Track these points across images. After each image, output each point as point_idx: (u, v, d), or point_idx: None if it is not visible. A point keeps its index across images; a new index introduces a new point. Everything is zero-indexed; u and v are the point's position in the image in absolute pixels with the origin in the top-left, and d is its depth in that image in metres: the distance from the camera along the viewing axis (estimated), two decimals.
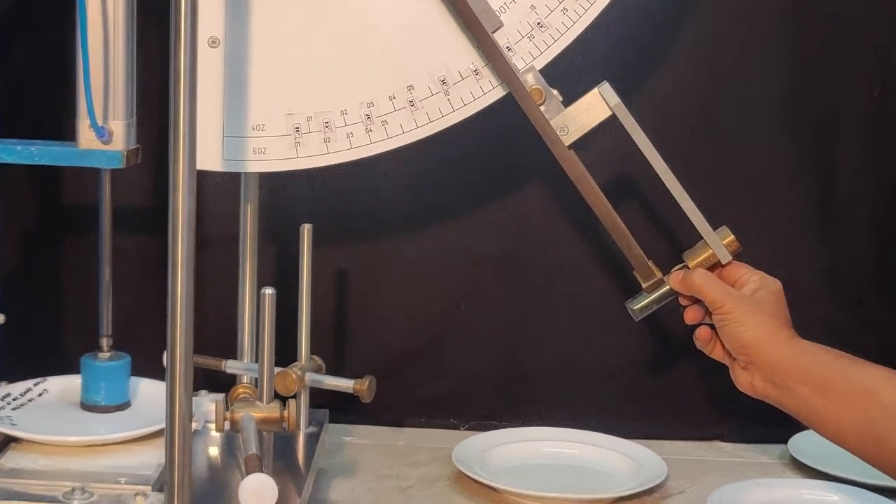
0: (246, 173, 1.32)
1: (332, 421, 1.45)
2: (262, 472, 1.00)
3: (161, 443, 1.17)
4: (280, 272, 1.46)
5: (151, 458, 1.18)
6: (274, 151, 1.20)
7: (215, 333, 1.40)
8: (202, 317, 1.43)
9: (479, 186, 1.50)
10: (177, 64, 1.01)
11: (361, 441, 1.47)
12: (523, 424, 1.48)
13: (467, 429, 1.52)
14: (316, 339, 1.50)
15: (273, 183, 1.41)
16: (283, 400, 1.10)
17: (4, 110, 1.33)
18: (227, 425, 1.08)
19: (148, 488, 1.11)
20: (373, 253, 1.51)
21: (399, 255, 1.51)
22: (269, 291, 1.07)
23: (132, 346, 1.31)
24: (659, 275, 1.20)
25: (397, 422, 1.52)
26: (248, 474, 1.00)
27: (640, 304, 1.21)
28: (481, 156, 1.47)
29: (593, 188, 1.18)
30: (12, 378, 1.33)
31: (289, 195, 1.46)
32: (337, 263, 1.51)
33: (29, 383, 1.30)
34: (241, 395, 1.14)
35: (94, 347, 1.28)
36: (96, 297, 1.29)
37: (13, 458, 1.17)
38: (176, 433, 1.03)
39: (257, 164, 1.21)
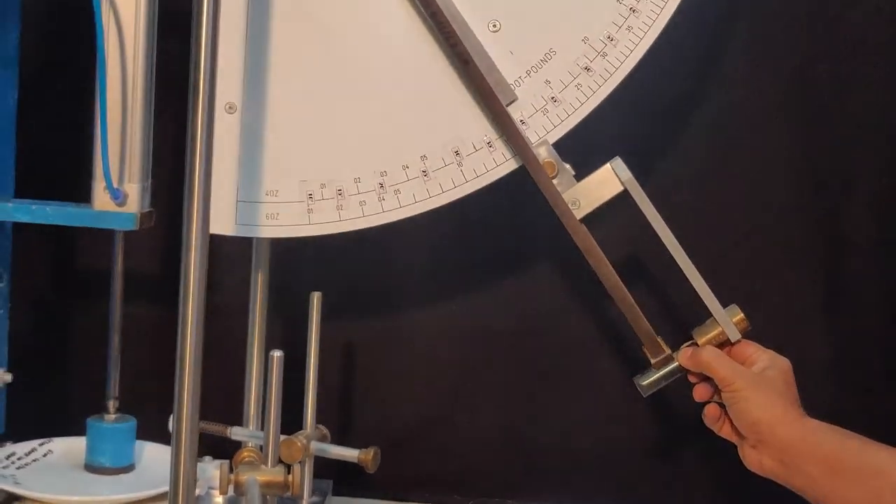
0: (258, 239, 1.33)
1: (335, 493, 1.44)
2: None
3: None
4: (288, 341, 1.45)
5: None
6: (287, 217, 1.21)
7: (221, 400, 1.39)
8: (208, 383, 1.44)
9: (489, 261, 1.50)
10: (193, 128, 1.02)
11: None
12: (527, 502, 1.47)
13: None
14: (322, 410, 1.50)
15: (282, 256, 1.42)
16: (288, 465, 1.10)
17: (20, 171, 1.34)
18: (231, 488, 1.07)
19: None
20: (381, 325, 1.51)
21: (407, 329, 1.51)
22: (276, 354, 1.07)
23: (138, 409, 1.31)
24: (667, 351, 1.20)
25: (401, 496, 1.51)
26: None
27: (648, 381, 1.21)
28: (492, 230, 1.48)
29: (603, 261, 1.19)
30: (19, 437, 1.33)
31: (299, 266, 1.47)
32: (345, 334, 1.51)
33: (34, 443, 1.30)
34: (246, 459, 1.14)
35: (101, 410, 1.27)
36: (105, 359, 1.29)
37: None
38: (180, 498, 1.03)
39: (270, 230, 1.21)
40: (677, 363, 1.19)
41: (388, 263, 1.49)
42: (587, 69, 1.19)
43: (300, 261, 1.46)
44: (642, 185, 1.19)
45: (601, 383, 1.50)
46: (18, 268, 1.33)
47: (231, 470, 1.07)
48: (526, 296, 1.51)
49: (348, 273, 1.48)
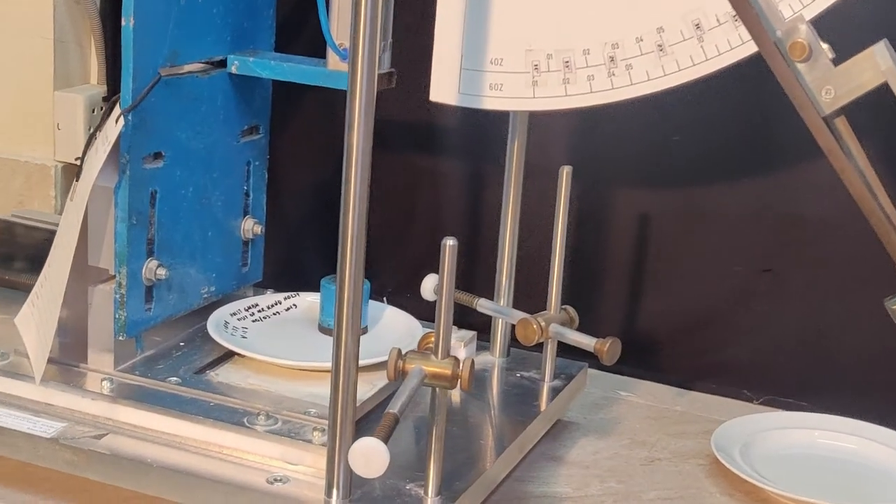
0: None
1: (618, 372, 1.38)
2: (388, 435, 0.95)
3: (380, 376, 1.15)
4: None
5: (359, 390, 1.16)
6: (510, 88, 1.13)
7: (484, 272, 1.35)
8: (466, 254, 1.41)
9: (803, 139, 1.34)
10: None
11: (638, 399, 1.38)
12: (821, 407, 1.33)
13: (760, 403, 1.38)
14: (610, 286, 1.43)
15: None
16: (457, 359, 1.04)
17: (294, 26, 1.33)
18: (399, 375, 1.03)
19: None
20: (679, 200, 1.39)
21: (708, 206, 1.38)
22: (450, 243, 1.01)
23: (385, 272, 1.29)
24: None
25: (685, 383, 1.41)
26: (377, 433, 0.96)
27: None
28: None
29: (847, 167, 1.02)
30: (282, 287, 1.35)
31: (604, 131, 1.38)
32: (638, 208, 1.41)
33: (280, 296, 1.31)
34: (429, 345, 1.09)
35: None
36: None
37: (226, 372, 1.19)
38: (341, 372, 1.00)
39: (493, 101, 1.14)
40: None
41: (690, 132, 1.37)
42: None
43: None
44: None
45: None
46: (282, 125, 1.32)
47: (401, 356, 1.03)
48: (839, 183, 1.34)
49: (646, 139, 1.38)
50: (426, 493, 1.04)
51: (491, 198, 1.44)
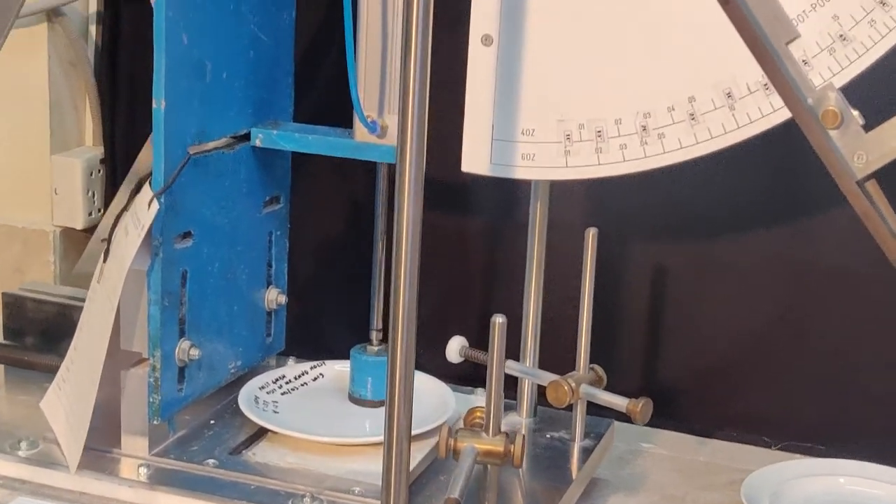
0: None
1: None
2: None
3: (419, 447, 1.15)
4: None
5: None
6: (543, 158, 1.12)
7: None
8: (490, 311, 1.41)
9: (816, 187, 1.35)
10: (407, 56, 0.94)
11: (660, 451, 1.38)
12: (841, 454, 1.34)
13: (779, 448, 1.39)
14: (629, 338, 1.43)
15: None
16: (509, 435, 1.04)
17: (310, 93, 1.32)
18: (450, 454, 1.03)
19: (377, 502, 1.07)
20: (693, 253, 1.40)
21: (723, 257, 1.39)
22: (499, 320, 1.01)
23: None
24: None
25: (705, 432, 1.41)
26: None
27: None
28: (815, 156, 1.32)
29: (881, 228, 1.03)
30: (300, 355, 1.34)
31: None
32: (655, 261, 1.41)
33: (306, 366, 1.31)
34: (477, 420, 1.09)
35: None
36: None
37: (262, 451, 1.18)
38: (393, 451, 1.00)
39: (525, 171, 1.13)
40: None
41: (700, 185, 1.37)
42: (882, 3, 1.02)
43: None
44: None
45: None
46: (299, 192, 1.32)
47: (451, 434, 1.03)
48: (858, 225, 1.35)
49: (657, 192, 1.38)
50: None
51: (506, 254, 1.45)
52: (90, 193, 1.55)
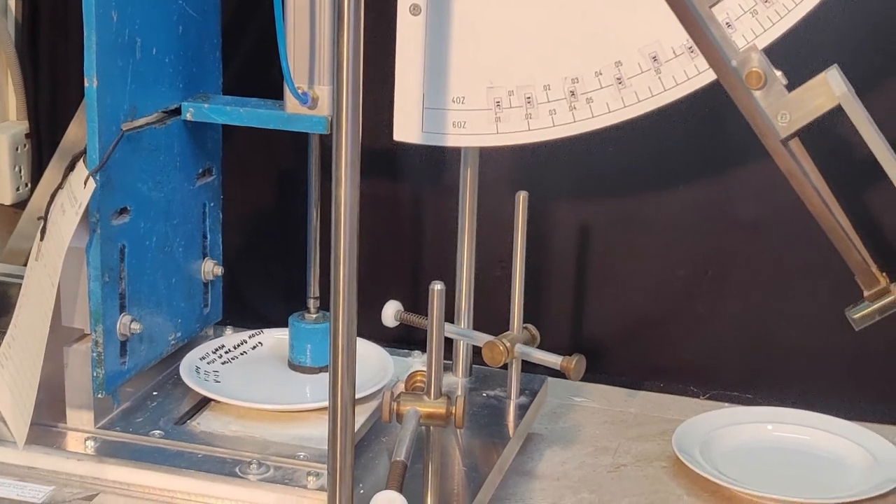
0: None
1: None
2: (401, 484, 0.98)
3: (360, 410, 1.17)
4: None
5: None
6: (474, 126, 1.15)
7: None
8: (424, 277, 1.43)
9: (734, 144, 1.39)
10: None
11: (592, 404, 1.42)
12: (767, 400, 1.39)
13: (707, 398, 1.44)
14: (556, 296, 1.46)
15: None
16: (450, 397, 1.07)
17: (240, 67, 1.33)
18: (393, 417, 1.05)
19: (323, 467, 1.10)
20: (619, 209, 1.44)
21: (646, 213, 1.43)
22: (437, 287, 1.03)
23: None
24: (884, 283, 1.08)
25: (634, 384, 1.46)
26: (387, 484, 0.98)
27: (860, 314, 1.09)
28: (739, 114, 1.36)
29: (807, 186, 1.07)
30: (239, 324, 1.36)
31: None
32: (578, 219, 1.45)
33: (244, 335, 1.32)
34: (418, 384, 1.11)
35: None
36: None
37: (207, 420, 1.20)
38: (338, 417, 1.02)
39: (457, 139, 1.16)
40: (894, 296, 1.07)
41: (624, 144, 1.41)
42: None
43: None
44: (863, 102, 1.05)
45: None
46: (229, 165, 1.33)
47: (394, 397, 1.05)
48: (774, 181, 1.39)
49: (583, 153, 1.41)
50: None
51: (434, 217, 1.48)
52: (17, 169, 1.55)
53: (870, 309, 1.09)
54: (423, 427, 1.06)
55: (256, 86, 1.28)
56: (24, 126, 1.56)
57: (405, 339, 1.37)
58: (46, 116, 1.55)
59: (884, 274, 1.08)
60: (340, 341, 1.01)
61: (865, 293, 1.08)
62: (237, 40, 1.40)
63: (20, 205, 1.55)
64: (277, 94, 1.20)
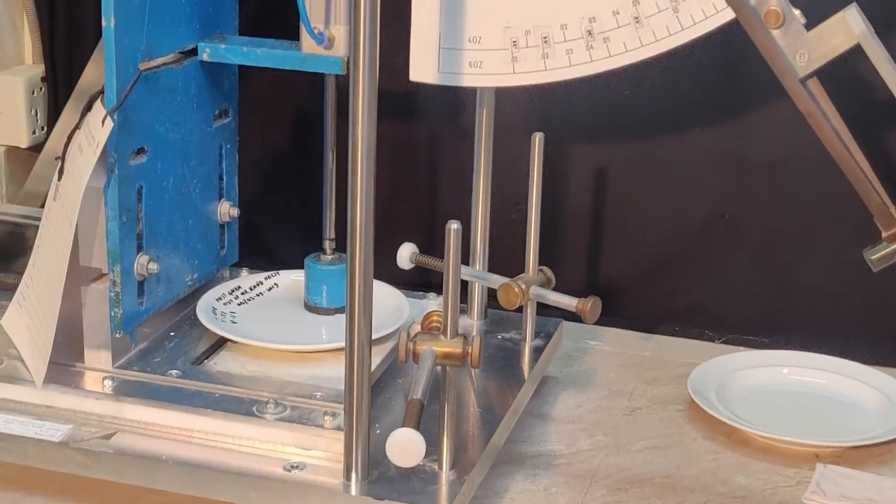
0: None
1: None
2: (418, 422, 0.98)
3: (377, 351, 1.18)
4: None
5: None
6: (490, 66, 1.14)
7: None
8: (439, 218, 1.43)
9: (752, 86, 1.38)
10: None
11: (606, 347, 1.43)
12: (783, 343, 1.39)
13: (722, 342, 1.44)
14: (572, 238, 1.46)
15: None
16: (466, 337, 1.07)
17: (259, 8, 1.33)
18: (410, 357, 1.06)
19: (339, 407, 1.10)
20: (635, 152, 1.43)
21: (663, 156, 1.43)
22: (454, 227, 1.03)
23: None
24: None
25: (649, 328, 1.46)
26: (404, 422, 0.99)
27: (878, 254, 1.09)
28: (757, 56, 1.35)
29: (825, 128, 1.07)
30: (255, 266, 1.36)
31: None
32: (595, 162, 1.44)
33: (260, 276, 1.32)
34: (434, 323, 1.12)
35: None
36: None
37: (223, 360, 1.20)
38: (355, 357, 1.02)
39: (473, 79, 1.15)
40: None
41: (643, 85, 1.40)
42: None
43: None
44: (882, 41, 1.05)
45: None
46: (246, 106, 1.32)
47: (410, 337, 1.06)
48: (794, 124, 1.38)
49: (602, 93, 1.41)
50: (440, 467, 1.08)
51: (449, 160, 1.47)
52: (33, 112, 1.55)
53: (888, 250, 1.09)
54: (439, 367, 1.06)
55: (272, 26, 1.27)
56: (39, 69, 1.57)
57: (420, 282, 1.37)
58: (62, 60, 1.55)
59: None
60: (357, 282, 1.02)
61: (884, 234, 1.08)
62: None
63: (36, 148, 1.56)
64: (293, 35, 1.20)
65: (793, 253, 1.42)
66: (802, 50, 1.06)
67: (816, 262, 1.41)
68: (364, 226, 1.00)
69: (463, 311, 1.34)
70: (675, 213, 1.44)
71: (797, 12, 1.06)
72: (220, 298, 1.27)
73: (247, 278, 1.32)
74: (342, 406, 1.07)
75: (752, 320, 1.44)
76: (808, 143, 1.37)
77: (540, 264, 1.29)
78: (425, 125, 1.47)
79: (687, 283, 1.45)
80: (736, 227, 1.43)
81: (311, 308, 1.27)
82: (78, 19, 1.52)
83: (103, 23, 1.10)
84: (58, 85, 1.55)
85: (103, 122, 1.10)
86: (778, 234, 1.42)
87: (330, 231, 1.27)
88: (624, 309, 1.46)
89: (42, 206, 1.44)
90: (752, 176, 1.41)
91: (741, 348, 1.42)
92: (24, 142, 1.54)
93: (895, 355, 1.37)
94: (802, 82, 1.07)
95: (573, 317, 1.27)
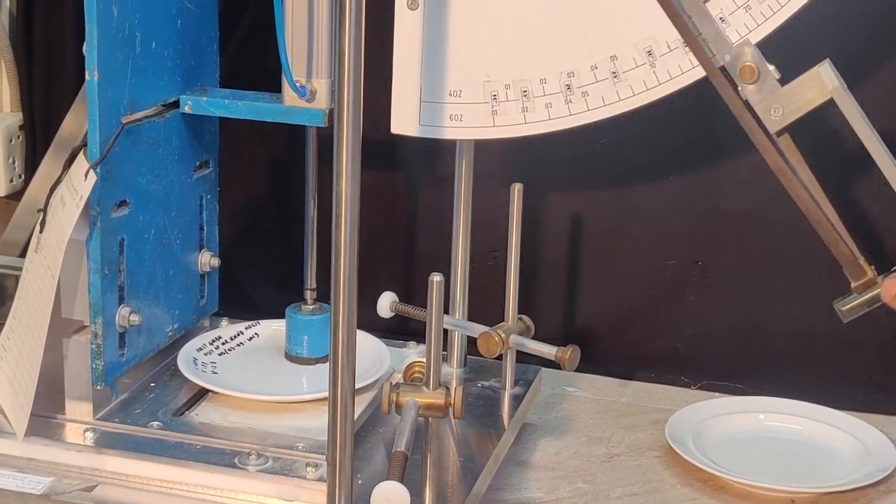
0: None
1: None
2: (402, 475, 0.99)
3: (359, 401, 1.18)
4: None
5: None
6: (470, 119, 1.16)
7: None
8: (421, 270, 1.44)
9: (725, 136, 1.40)
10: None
11: (584, 393, 1.44)
12: (757, 388, 1.41)
13: (698, 388, 1.45)
14: (549, 286, 1.48)
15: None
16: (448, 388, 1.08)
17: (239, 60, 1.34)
18: (392, 408, 1.07)
19: (322, 458, 1.11)
20: (611, 200, 1.45)
21: (638, 205, 1.44)
22: (437, 279, 1.04)
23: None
24: (871, 275, 1.09)
25: (626, 374, 1.47)
26: (388, 475, 0.99)
27: (848, 306, 1.11)
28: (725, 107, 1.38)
29: (794, 183, 1.08)
30: (234, 315, 1.37)
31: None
32: (571, 210, 1.46)
33: (241, 326, 1.33)
34: (416, 374, 1.13)
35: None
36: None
37: (205, 411, 1.20)
38: (338, 408, 1.03)
39: (453, 132, 1.17)
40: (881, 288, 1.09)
41: (617, 134, 1.42)
42: None
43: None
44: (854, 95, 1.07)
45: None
46: (225, 157, 1.34)
47: (393, 389, 1.06)
48: (762, 175, 1.41)
49: (576, 144, 1.43)
50: None
51: (428, 208, 1.48)
52: (10, 160, 1.55)
53: (857, 301, 1.10)
54: (421, 418, 1.07)
55: (252, 76, 1.28)
56: (17, 117, 1.57)
57: (400, 329, 1.38)
58: (41, 108, 1.56)
59: (871, 266, 1.09)
60: (341, 333, 1.02)
61: (853, 285, 1.10)
62: (233, 31, 1.41)
63: (14, 196, 1.56)
64: (273, 85, 1.21)
65: (765, 299, 1.43)
66: (777, 104, 1.08)
67: (789, 308, 1.43)
68: (348, 279, 1.01)
69: (443, 359, 1.35)
70: (649, 260, 1.45)
71: (772, 67, 1.08)
72: (200, 349, 1.28)
73: (227, 328, 1.33)
74: (325, 457, 1.07)
75: (726, 366, 1.45)
76: (779, 193, 1.39)
77: (518, 310, 1.30)
78: (404, 174, 1.48)
79: (662, 330, 1.47)
80: (709, 274, 1.44)
81: (291, 358, 1.28)
82: (57, 67, 1.53)
83: (87, 76, 1.11)
84: (36, 133, 1.56)
85: (86, 175, 1.11)
86: (751, 280, 1.43)
87: (311, 281, 1.28)
88: (600, 355, 1.47)
89: (21, 256, 1.45)
90: (725, 224, 1.43)
91: (717, 394, 1.43)
92: (1, 190, 1.55)
93: (869, 400, 1.39)
94: (774, 138, 1.08)
95: (551, 362, 1.28)
